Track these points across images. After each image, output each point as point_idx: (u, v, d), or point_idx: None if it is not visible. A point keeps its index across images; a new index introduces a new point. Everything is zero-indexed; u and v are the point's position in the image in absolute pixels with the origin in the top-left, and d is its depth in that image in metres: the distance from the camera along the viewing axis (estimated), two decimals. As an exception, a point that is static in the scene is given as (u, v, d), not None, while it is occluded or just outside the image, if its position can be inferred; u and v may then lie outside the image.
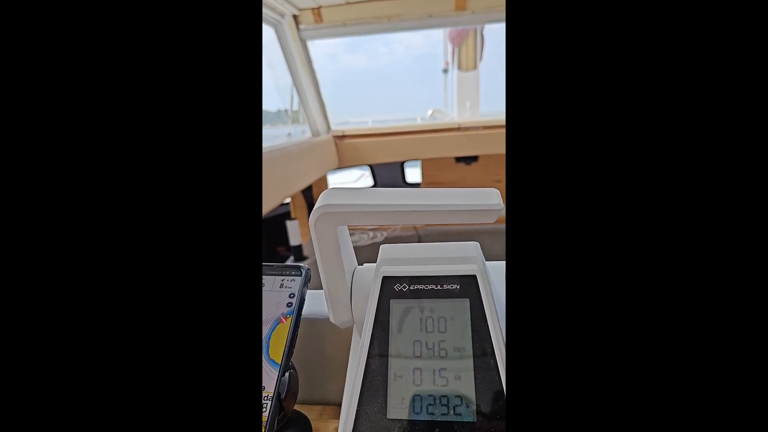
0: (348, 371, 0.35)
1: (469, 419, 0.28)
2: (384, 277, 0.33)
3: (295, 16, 1.97)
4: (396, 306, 0.32)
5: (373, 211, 0.31)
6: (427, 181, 2.71)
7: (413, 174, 2.87)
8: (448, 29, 2.71)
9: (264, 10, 1.73)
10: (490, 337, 0.30)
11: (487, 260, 0.42)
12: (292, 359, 0.38)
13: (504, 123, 2.40)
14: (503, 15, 2.00)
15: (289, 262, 2.36)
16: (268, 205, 1.53)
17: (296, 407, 0.44)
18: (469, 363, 0.29)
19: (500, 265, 0.40)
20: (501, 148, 2.38)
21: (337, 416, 0.33)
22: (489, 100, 2.88)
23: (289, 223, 2.32)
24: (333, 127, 2.49)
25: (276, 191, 1.58)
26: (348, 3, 1.90)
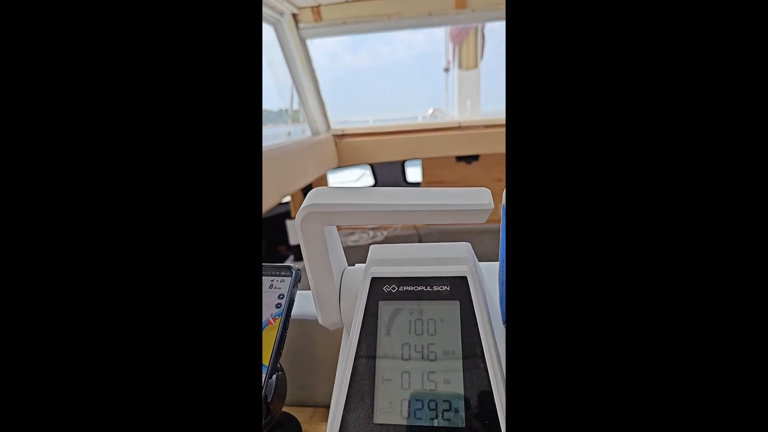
0: (337, 374, 0.35)
1: (459, 424, 0.27)
2: (373, 278, 0.32)
3: (294, 15, 1.96)
4: (385, 308, 0.31)
5: (360, 211, 0.30)
6: (428, 180, 2.71)
7: (414, 173, 2.86)
8: (449, 28, 2.69)
9: (263, 8, 1.73)
10: (480, 339, 0.29)
11: (489, 260, 0.41)
12: (280, 361, 0.37)
13: (504, 122, 2.40)
14: (504, 13, 1.98)
15: (289, 261, 2.36)
16: (266, 204, 1.53)
17: (286, 409, 0.43)
18: (459, 366, 0.29)
19: (493, 266, 0.40)
20: (502, 147, 2.37)
21: (327, 419, 0.33)
22: (490, 99, 2.87)
23: (289, 223, 2.31)
24: (334, 125, 2.48)
25: (275, 190, 1.58)
26: (347, 1, 1.90)
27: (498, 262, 0.36)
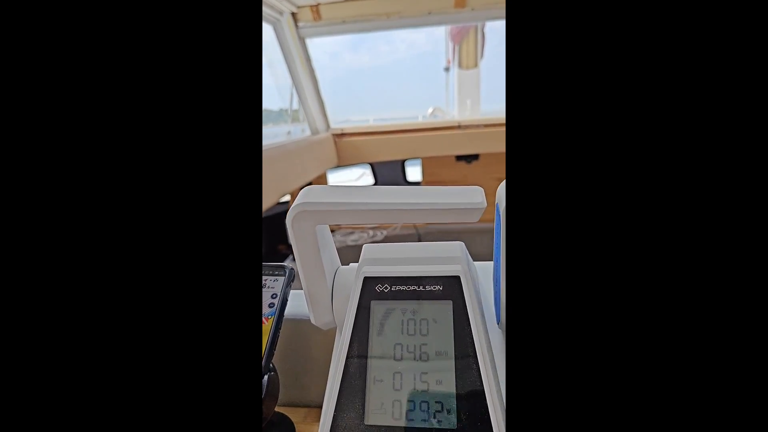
0: (329, 374, 0.34)
1: (451, 425, 0.27)
2: (365, 278, 0.32)
3: (293, 14, 1.96)
4: (377, 307, 0.31)
5: (352, 210, 0.30)
6: (428, 180, 2.70)
7: (414, 172, 2.86)
8: (449, 27, 2.69)
9: (262, 7, 1.73)
10: (473, 340, 0.29)
11: (489, 259, 0.41)
12: (273, 361, 0.37)
13: (504, 121, 2.40)
14: (503, 12, 1.98)
15: (289, 260, 2.36)
16: (265, 203, 1.53)
17: (280, 409, 0.43)
18: (451, 367, 0.28)
19: (488, 266, 0.39)
20: (502, 147, 2.37)
21: None
22: (490, 98, 2.86)
23: (288, 222, 2.30)
24: (335, 125, 2.48)
25: (274, 189, 1.58)
26: (346, 0, 1.89)
27: (492, 262, 0.36)
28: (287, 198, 2.45)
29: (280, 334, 0.38)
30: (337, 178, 3.00)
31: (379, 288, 0.32)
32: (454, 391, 0.28)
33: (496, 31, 2.68)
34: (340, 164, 2.46)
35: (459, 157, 2.61)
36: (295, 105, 2.32)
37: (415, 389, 0.28)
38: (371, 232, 2.56)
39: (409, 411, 0.28)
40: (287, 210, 0.32)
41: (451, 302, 0.30)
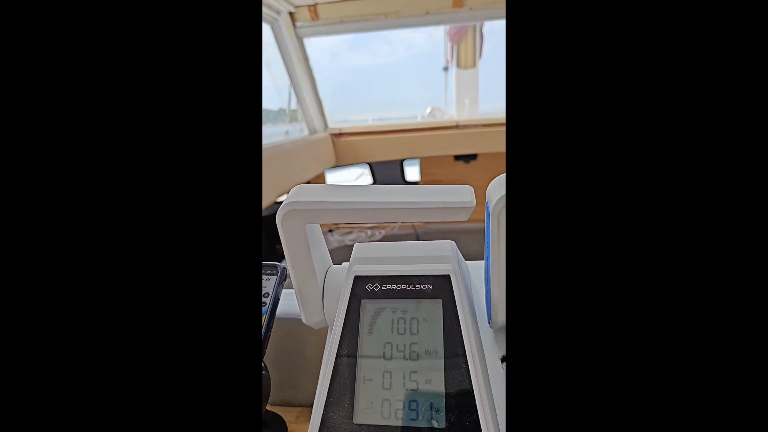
0: (320, 373, 0.34)
1: (439, 425, 0.27)
2: (356, 277, 0.32)
3: (291, 14, 1.95)
4: (367, 306, 0.31)
5: (341, 209, 0.30)
6: (426, 179, 2.70)
7: (413, 172, 2.86)
8: (447, 27, 2.69)
9: (260, 7, 1.72)
10: (463, 339, 0.29)
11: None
12: (265, 360, 0.37)
13: (502, 121, 2.39)
14: (501, 12, 1.98)
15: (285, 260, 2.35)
16: (263, 202, 1.53)
17: (274, 409, 0.43)
18: (441, 366, 0.28)
19: (479, 265, 0.39)
20: (500, 147, 2.37)
21: None
22: (488, 98, 2.86)
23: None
24: (334, 124, 2.48)
25: (271, 189, 1.58)
26: (344, 0, 1.89)
27: (483, 261, 0.36)
28: (284, 198, 2.44)
29: (274, 334, 0.38)
30: (335, 177, 3.00)
31: (369, 287, 0.32)
32: (443, 390, 0.28)
33: (494, 31, 2.68)
34: (338, 164, 2.46)
35: (457, 157, 2.61)
36: (293, 105, 2.31)
37: (404, 388, 0.28)
38: (369, 232, 2.56)
39: (398, 410, 0.28)
40: None
41: (441, 301, 0.30)
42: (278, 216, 0.30)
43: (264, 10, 1.79)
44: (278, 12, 1.90)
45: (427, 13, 1.97)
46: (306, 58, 2.14)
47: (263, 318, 0.37)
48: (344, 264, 0.37)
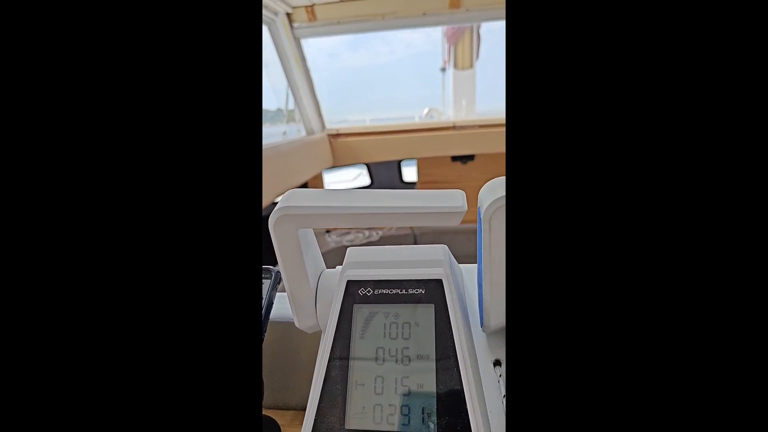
0: (313, 378, 0.34)
1: (431, 429, 0.27)
2: (348, 281, 0.32)
3: (288, 14, 1.95)
4: (360, 311, 0.31)
5: (334, 214, 0.30)
6: (423, 180, 2.70)
7: (410, 172, 2.85)
8: (445, 27, 2.69)
9: (257, 7, 1.72)
10: (454, 343, 0.29)
11: None
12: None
13: (500, 122, 2.39)
14: (498, 13, 1.98)
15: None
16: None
17: (267, 412, 0.43)
18: (432, 370, 0.28)
19: (472, 268, 0.39)
20: (497, 147, 2.37)
21: None
22: (486, 99, 2.86)
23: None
24: (331, 124, 2.47)
25: (269, 190, 1.58)
26: (341, 1, 1.89)
27: (476, 264, 0.36)
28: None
29: (268, 337, 0.38)
30: (332, 178, 3.00)
31: (362, 291, 0.32)
32: (435, 394, 0.28)
33: (491, 32, 2.68)
34: (336, 165, 2.46)
35: (454, 158, 2.61)
36: (291, 105, 2.31)
37: (396, 393, 0.28)
38: (366, 233, 2.56)
39: (389, 415, 0.28)
40: None
41: (433, 306, 0.30)
42: (270, 221, 0.30)
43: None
44: (275, 13, 1.90)
45: (425, 14, 1.97)
46: (303, 59, 2.14)
47: (256, 322, 0.37)
48: (337, 268, 0.37)
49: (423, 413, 0.27)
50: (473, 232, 0.34)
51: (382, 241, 2.56)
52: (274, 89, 2.24)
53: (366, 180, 2.87)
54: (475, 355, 0.32)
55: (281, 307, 0.45)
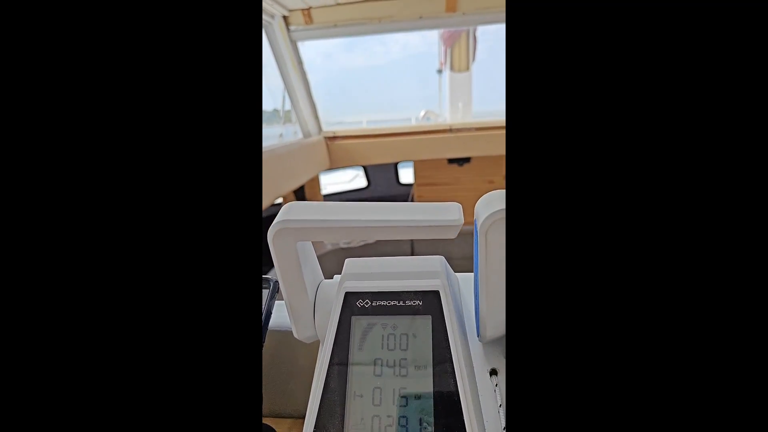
0: (311, 389, 0.35)
1: (428, 440, 0.27)
2: (346, 293, 0.32)
3: (285, 17, 1.96)
4: (358, 323, 0.32)
5: (331, 227, 0.30)
6: (420, 182, 2.71)
7: (407, 174, 2.86)
8: (441, 30, 2.70)
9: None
10: (451, 354, 0.29)
11: None
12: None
13: (496, 124, 2.40)
14: (494, 16, 1.99)
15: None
16: None
17: (266, 420, 0.43)
18: (429, 382, 0.29)
19: (468, 277, 0.40)
20: (493, 150, 2.38)
21: None
22: (482, 102, 2.87)
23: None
24: (328, 126, 2.48)
25: (267, 193, 1.58)
26: (338, 4, 1.89)
27: (473, 273, 0.36)
28: (281, 200, 2.44)
29: (266, 345, 0.38)
30: (329, 180, 3.00)
31: (360, 303, 0.32)
32: (432, 406, 0.28)
33: (488, 34, 2.70)
34: (333, 167, 2.46)
35: (451, 160, 2.62)
36: (287, 106, 2.31)
37: (393, 404, 0.29)
38: (364, 235, 2.56)
39: (387, 426, 0.28)
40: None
41: (430, 317, 0.31)
42: (269, 234, 0.31)
43: (258, 13, 1.79)
44: (272, 16, 1.90)
45: (421, 17, 1.97)
46: (300, 62, 2.14)
47: (255, 332, 0.37)
48: (335, 278, 0.38)
49: (420, 424, 0.28)
50: (470, 234, 0.35)
51: (378, 244, 2.57)
52: (270, 90, 2.24)
53: (363, 181, 2.88)
54: (472, 364, 0.32)
55: (278, 316, 0.45)
